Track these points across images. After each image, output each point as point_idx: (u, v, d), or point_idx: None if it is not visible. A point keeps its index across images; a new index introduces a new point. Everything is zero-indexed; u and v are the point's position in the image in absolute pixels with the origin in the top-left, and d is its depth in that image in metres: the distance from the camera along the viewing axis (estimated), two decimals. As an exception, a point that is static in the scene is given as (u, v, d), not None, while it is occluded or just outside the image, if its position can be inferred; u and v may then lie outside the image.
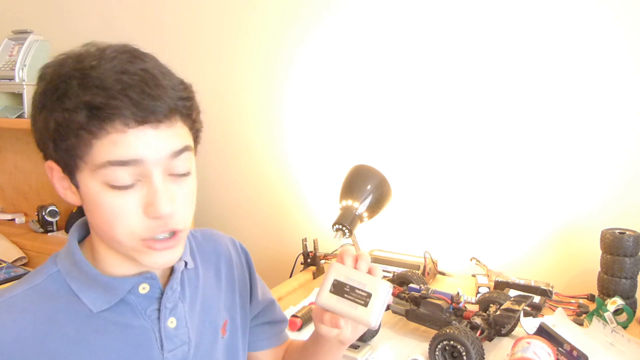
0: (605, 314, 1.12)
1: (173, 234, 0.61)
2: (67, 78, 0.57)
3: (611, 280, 1.22)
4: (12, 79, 1.91)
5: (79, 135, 0.56)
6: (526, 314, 1.14)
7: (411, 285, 1.21)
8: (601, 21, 1.28)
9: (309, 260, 1.58)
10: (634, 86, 1.27)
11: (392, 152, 1.57)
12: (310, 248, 1.58)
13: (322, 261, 1.60)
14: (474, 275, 1.44)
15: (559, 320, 1.15)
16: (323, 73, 1.66)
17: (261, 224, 1.88)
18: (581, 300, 1.29)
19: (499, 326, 1.05)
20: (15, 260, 1.87)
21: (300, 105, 1.72)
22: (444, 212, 1.53)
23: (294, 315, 1.18)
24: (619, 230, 1.23)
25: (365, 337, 1.10)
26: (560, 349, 0.97)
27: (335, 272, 0.70)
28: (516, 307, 1.07)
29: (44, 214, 2.05)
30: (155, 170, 0.58)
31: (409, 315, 1.14)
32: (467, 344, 0.95)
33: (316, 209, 1.75)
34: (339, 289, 0.69)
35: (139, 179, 0.58)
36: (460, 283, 1.46)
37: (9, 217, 2.28)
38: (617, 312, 1.15)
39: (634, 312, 1.19)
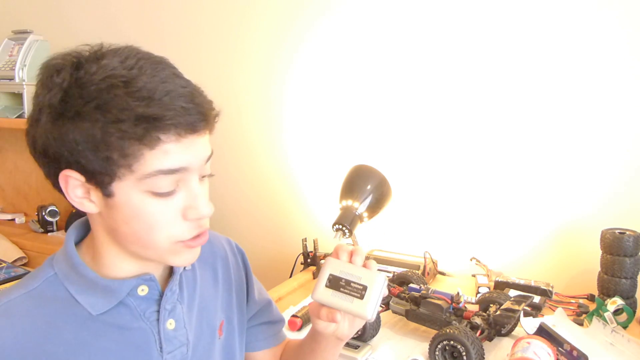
0: (605, 314, 1.12)
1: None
2: (107, 87, 0.55)
3: (611, 280, 1.22)
4: (12, 79, 1.91)
5: (131, 145, 0.55)
6: (526, 314, 1.14)
7: (411, 285, 1.21)
8: (601, 21, 1.28)
9: (309, 260, 1.58)
10: (634, 86, 1.27)
11: (392, 152, 1.57)
12: (310, 248, 1.58)
13: (322, 261, 1.60)
14: (474, 275, 1.44)
15: (559, 320, 1.15)
16: (323, 73, 1.66)
17: (261, 224, 1.88)
18: (581, 300, 1.29)
19: (499, 326, 1.05)
20: (15, 260, 1.88)
21: (300, 105, 1.72)
22: (444, 212, 1.53)
23: (294, 315, 1.18)
24: (619, 230, 1.23)
25: (365, 337, 1.10)
26: (560, 349, 0.97)
27: (331, 266, 0.70)
28: (516, 307, 1.06)
29: (44, 214, 2.06)
30: (195, 175, 0.61)
31: (409, 315, 1.14)
32: (467, 344, 0.95)
33: (316, 209, 1.75)
34: (335, 283, 0.69)
35: (177, 184, 0.60)
36: (460, 283, 1.46)
37: (9, 217, 2.28)
38: (617, 312, 1.15)
39: (634, 312, 1.19)
